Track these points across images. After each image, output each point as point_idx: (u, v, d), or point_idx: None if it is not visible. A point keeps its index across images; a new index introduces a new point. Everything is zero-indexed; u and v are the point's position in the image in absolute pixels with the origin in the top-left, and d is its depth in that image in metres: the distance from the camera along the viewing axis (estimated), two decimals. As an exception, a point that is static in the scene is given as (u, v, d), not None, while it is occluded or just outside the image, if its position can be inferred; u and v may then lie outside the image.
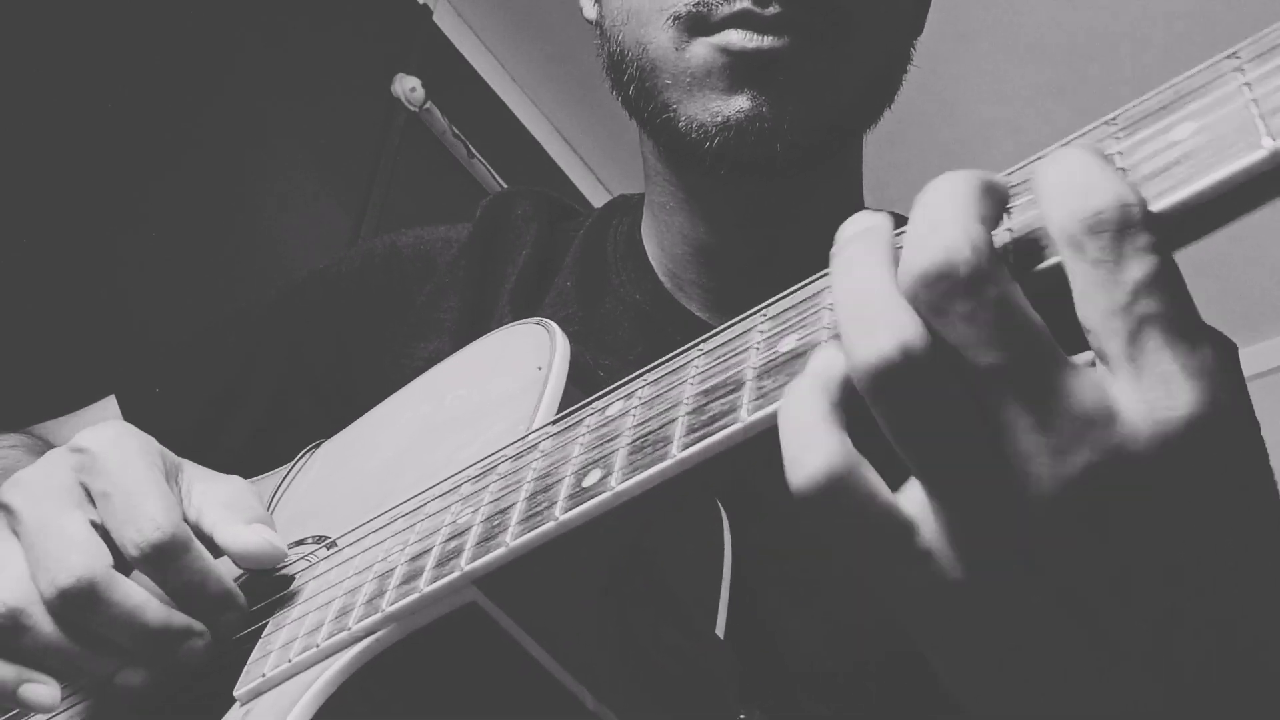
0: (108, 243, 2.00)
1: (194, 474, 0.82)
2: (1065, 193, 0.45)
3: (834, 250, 0.51)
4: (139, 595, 0.73)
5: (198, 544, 0.74)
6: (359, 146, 2.65)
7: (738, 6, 0.88)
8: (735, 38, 0.88)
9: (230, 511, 0.78)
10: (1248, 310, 3.11)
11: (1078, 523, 0.45)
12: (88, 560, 0.72)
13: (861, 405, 0.48)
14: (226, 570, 0.77)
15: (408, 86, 2.72)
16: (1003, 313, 0.44)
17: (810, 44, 0.89)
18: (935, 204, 0.47)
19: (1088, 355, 0.46)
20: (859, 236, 0.50)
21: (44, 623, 0.74)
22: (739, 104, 0.89)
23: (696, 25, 0.90)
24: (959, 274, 0.44)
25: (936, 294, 0.45)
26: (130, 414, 1.16)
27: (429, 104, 2.76)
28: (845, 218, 1.03)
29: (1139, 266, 0.44)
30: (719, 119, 0.90)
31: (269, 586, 0.83)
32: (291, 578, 0.81)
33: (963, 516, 0.46)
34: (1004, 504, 0.45)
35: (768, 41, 0.88)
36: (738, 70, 0.89)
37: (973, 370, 0.45)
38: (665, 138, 0.96)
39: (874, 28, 0.93)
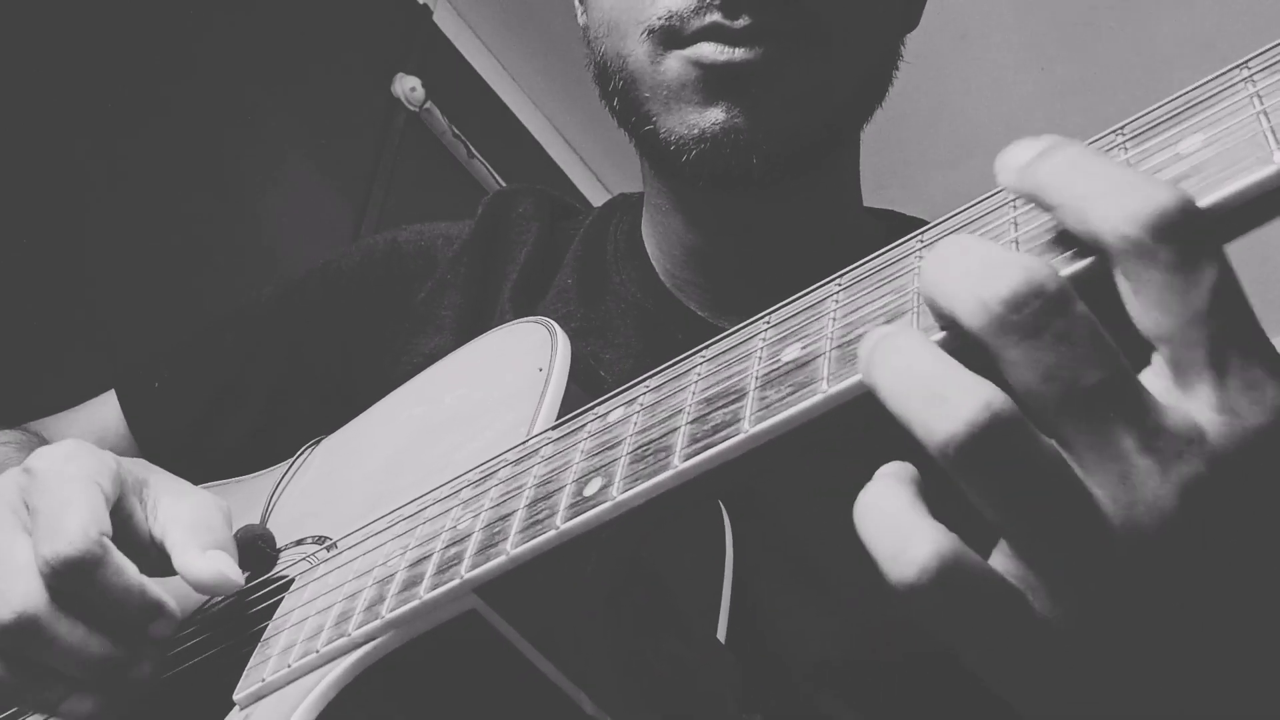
0: (108, 240, 2.00)
1: (161, 489, 0.81)
2: (1120, 196, 0.43)
3: (861, 356, 0.48)
4: (80, 630, 0.72)
5: (116, 560, 0.73)
6: (359, 146, 2.65)
7: (708, 20, 0.88)
8: (707, 50, 0.88)
9: (191, 534, 0.77)
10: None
11: (1195, 537, 0.44)
12: (28, 593, 0.72)
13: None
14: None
15: (408, 86, 2.72)
16: (1093, 328, 0.43)
17: (785, 53, 0.89)
18: (976, 243, 0.45)
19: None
20: (884, 336, 0.47)
21: None
22: (714, 116, 0.89)
23: (670, 39, 0.90)
24: (1049, 290, 0.43)
25: (1030, 317, 0.43)
26: (130, 409, 1.16)
27: (429, 104, 2.75)
28: (841, 219, 1.04)
29: (1213, 270, 0.42)
30: (695, 131, 0.89)
31: (268, 589, 0.82)
32: (291, 580, 0.81)
33: (1075, 565, 0.45)
34: (1118, 538, 0.44)
35: (739, 54, 0.87)
36: (711, 83, 0.89)
37: (1072, 394, 0.43)
38: (648, 148, 0.96)
39: (852, 32, 0.92)
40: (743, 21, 0.87)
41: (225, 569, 0.76)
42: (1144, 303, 0.44)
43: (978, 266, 0.44)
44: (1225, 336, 0.43)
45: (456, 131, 2.83)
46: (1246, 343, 0.43)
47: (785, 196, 0.97)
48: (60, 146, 1.94)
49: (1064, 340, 0.42)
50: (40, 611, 0.72)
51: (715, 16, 0.87)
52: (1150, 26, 2.71)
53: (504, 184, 2.94)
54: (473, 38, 3.07)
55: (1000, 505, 0.44)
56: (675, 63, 0.90)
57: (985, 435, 0.43)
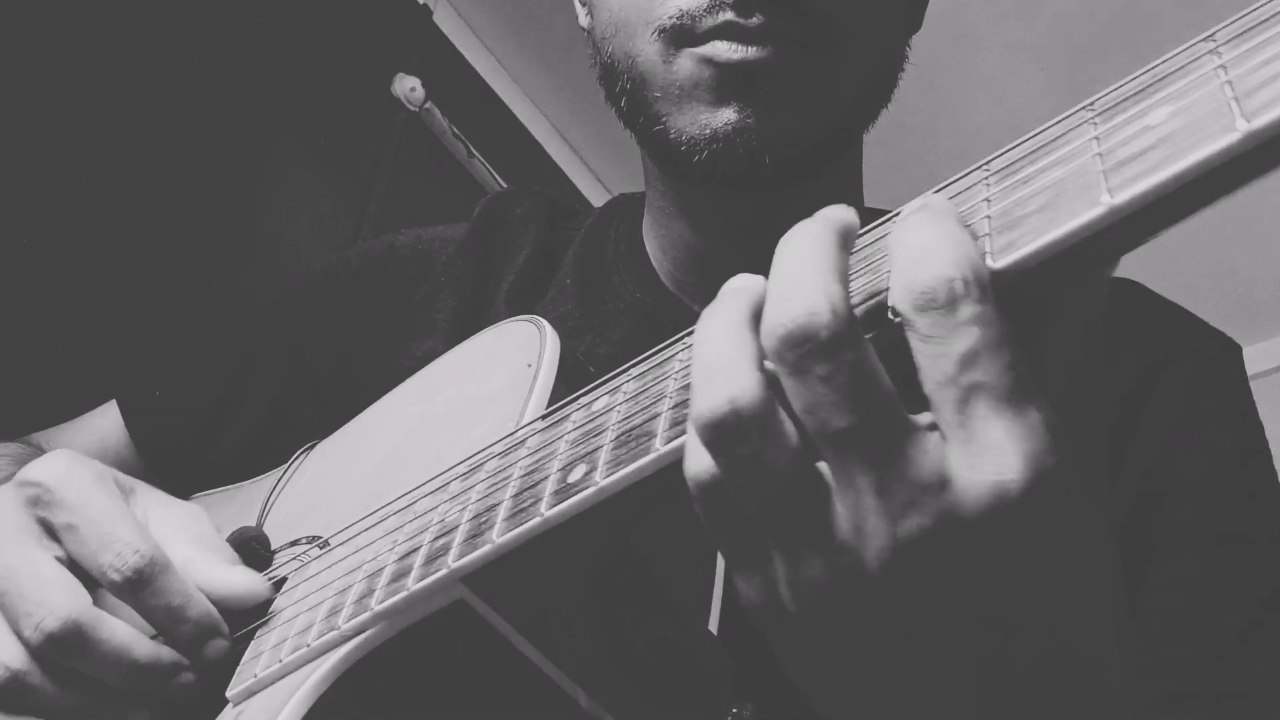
0: (108, 247, 2.00)
1: (150, 499, 0.81)
2: (903, 267, 0.47)
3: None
4: (125, 631, 0.72)
5: (175, 566, 0.74)
6: (359, 146, 2.65)
7: (721, 19, 0.87)
8: (721, 48, 0.88)
9: (203, 550, 0.77)
10: (1248, 310, 3.10)
11: (909, 577, 0.47)
12: (70, 600, 0.72)
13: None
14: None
15: (408, 86, 2.72)
16: (857, 376, 0.46)
17: (797, 53, 0.88)
18: (796, 260, 0.49)
19: (929, 416, 0.48)
20: (728, 293, 0.53)
21: (41, 680, 0.73)
22: (726, 116, 0.89)
23: (682, 37, 0.90)
24: (820, 337, 0.46)
25: (797, 355, 0.47)
26: (131, 419, 1.16)
27: (429, 104, 2.76)
28: None
29: (964, 340, 0.45)
30: (706, 132, 0.89)
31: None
32: (284, 579, 0.81)
33: (795, 566, 0.49)
34: (841, 556, 0.48)
35: (753, 52, 0.87)
36: (724, 82, 0.88)
37: (824, 429, 0.47)
38: (657, 149, 0.95)
39: (863, 33, 0.92)
40: (756, 20, 0.87)
41: (258, 582, 0.76)
42: (915, 360, 0.48)
43: (777, 294, 0.49)
44: (970, 400, 0.46)
45: (456, 131, 2.83)
46: (991, 409, 0.46)
47: (793, 200, 0.97)
48: (60, 151, 1.95)
49: (824, 382, 0.47)
50: (85, 616, 0.71)
51: (728, 15, 0.87)
52: (1150, 26, 2.70)
53: (504, 184, 2.94)
54: (473, 38, 3.07)
55: (729, 486, 0.49)
56: (688, 61, 0.89)
57: (722, 424, 0.48)
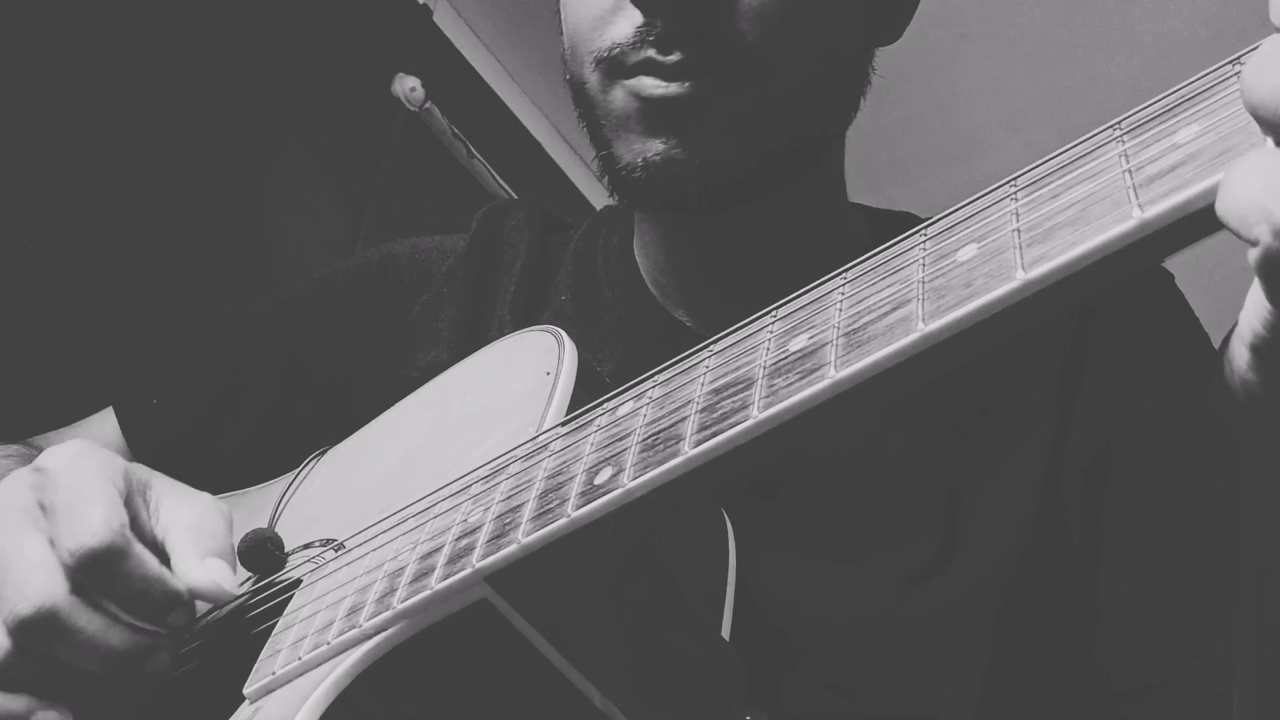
0: (107, 249, 2.00)
1: (164, 490, 0.82)
2: None
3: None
4: (99, 621, 0.74)
5: (139, 551, 0.75)
6: (359, 146, 2.65)
7: (644, 54, 0.90)
8: (646, 84, 0.90)
9: (192, 538, 0.78)
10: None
11: None
12: (46, 587, 0.73)
13: None
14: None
15: (408, 86, 2.73)
16: None
17: (718, 87, 0.90)
18: None
19: None
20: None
21: (22, 661, 0.75)
22: (655, 147, 0.91)
23: (616, 69, 0.92)
24: None
25: None
26: (128, 425, 1.17)
27: (429, 104, 2.76)
28: (823, 223, 1.05)
29: None
30: (639, 160, 0.92)
31: (277, 589, 0.83)
32: (300, 580, 0.81)
33: None
34: None
35: (674, 89, 0.89)
36: (650, 115, 0.91)
37: None
38: (606, 170, 0.98)
39: (794, 60, 0.92)
40: (675, 57, 0.89)
41: (221, 579, 0.77)
42: None
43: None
44: None
45: (456, 131, 2.83)
46: None
47: (737, 219, 0.99)
48: (59, 149, 1.94)
49: None
50: (59, 604, 0.73)
51: (650, 52, 0.89)
52: (1149, 26, 2.71)
53: (504, 184, 2.95)
54: (473, 38, 3.07)
55: None
56: (620, 93, 0.92)
57: None
